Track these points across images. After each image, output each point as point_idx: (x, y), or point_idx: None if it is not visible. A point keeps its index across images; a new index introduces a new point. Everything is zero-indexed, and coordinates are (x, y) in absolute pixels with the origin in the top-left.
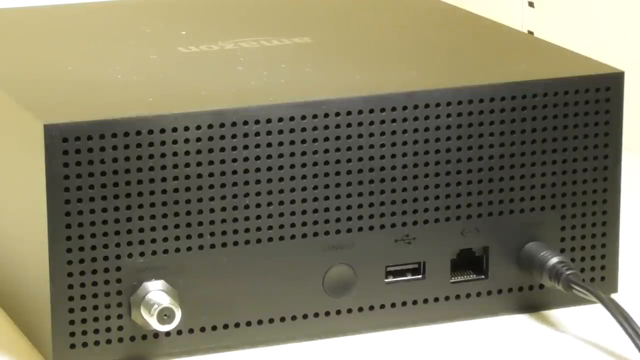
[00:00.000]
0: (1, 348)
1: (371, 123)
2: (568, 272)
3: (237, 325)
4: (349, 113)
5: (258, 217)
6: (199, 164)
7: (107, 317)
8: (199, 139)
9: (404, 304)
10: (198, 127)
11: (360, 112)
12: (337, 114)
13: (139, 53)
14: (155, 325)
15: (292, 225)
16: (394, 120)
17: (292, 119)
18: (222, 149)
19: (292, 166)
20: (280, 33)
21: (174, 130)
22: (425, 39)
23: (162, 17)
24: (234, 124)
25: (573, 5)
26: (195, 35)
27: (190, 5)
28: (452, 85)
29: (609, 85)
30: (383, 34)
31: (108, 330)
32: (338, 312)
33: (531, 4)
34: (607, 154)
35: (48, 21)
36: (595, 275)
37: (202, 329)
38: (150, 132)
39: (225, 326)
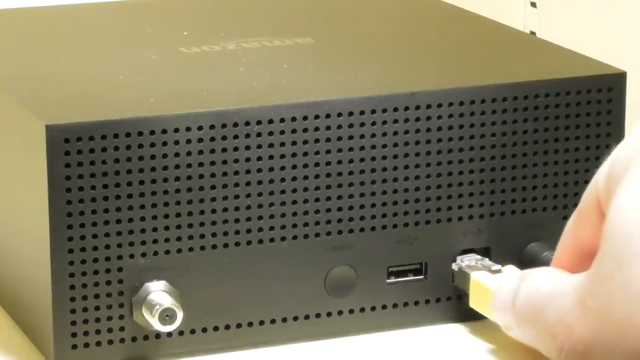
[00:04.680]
0: (2, 348)
1: (373, 123)
2: None
3: (238, 325)
4: (350, 113)
5: (260, 217)
6: (200, 164)
7: (109, 318)
8: (200, 140)
9: (405, 304)
10: (200, 128)
11: (362, 112)
12: (339, 115)
13: (140, 53)
14: (157, 325)
15: (294, 225)
16: (395, 121)
17: (293, 119)
18: (224, 150)
19: (294, 167)
20: (282, 33)
21: (176, 130)
22: (427, 39)
23: (163, 17)
24: (235, 125)
25: (575, 6)
26: (197, 35)
27: (191, 6)
28: (454, 85)
29: (611, 86)
30: (385, 34)
31: (110, 330)
32: (340, 312)
33: (533, 4)
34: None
35: (49, 22)
36: None
37: (204, 330)
38: (152, 132)
39: (227, 327)
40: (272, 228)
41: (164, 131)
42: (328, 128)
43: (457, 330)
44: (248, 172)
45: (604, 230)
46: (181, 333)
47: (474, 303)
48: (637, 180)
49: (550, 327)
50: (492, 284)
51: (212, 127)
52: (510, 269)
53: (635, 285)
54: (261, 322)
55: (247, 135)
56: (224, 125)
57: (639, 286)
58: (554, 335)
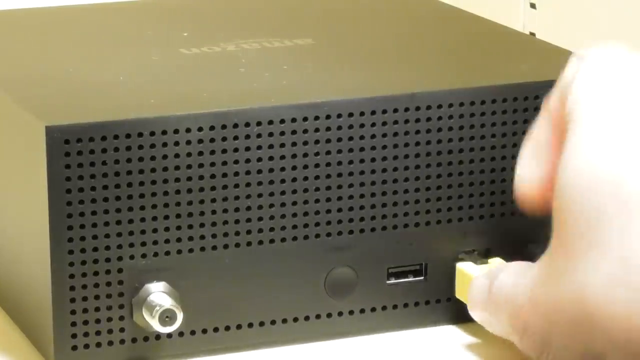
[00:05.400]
0: (2, 350)
1: (373, 124)
2: None
3: (238, 326)
4: (350, 114)
5: (260, 218)
6: (200, 165)
7: (109, 319)
8: (200, 141)
9: (405, 305)
10: (200, 129)
11: (362, 113)
12: (339, 116)
13: (140, 54)
14: (157, 327)
15: (294, 226)
16: (395, 122)
17: (294, 120)
18: (224, 151)
19: (294, 168)
20: (282, 34)
21: (176, 131)
22: (427, 40)
23: (163, 18)
24: (235, 126)
25: (575, 7)
26: (196, 36)
27: (191, 7)
28: (454, 86)
29: None
30: (384, 35)
31: (110, 332)
32: (340, 313)
33: (533, 6)
34: None
35: (49, 23)
36: None
37: (204, 331)
38: (152, 133)
39: (227, 328)
40: (272, 229)
41: (164, 132)
42: (328, 129)
43: (457, 332)
44: (248, 173)
45: (555, 207)
46: (181, 334)
47: (459, 293)
48: (582, 143)
49: (511, 321)
50: (475, 274)
51: (212, 128)
52: (496, 262)
53: (582, 285)
54: (261, 323)
55: (247, 137)
56: (224, 126)
57: (585, 287)
58: (512, 330)
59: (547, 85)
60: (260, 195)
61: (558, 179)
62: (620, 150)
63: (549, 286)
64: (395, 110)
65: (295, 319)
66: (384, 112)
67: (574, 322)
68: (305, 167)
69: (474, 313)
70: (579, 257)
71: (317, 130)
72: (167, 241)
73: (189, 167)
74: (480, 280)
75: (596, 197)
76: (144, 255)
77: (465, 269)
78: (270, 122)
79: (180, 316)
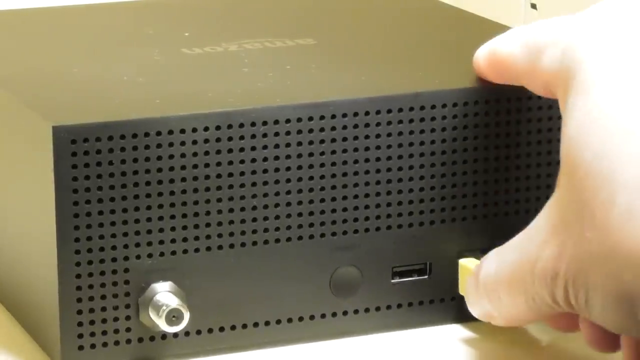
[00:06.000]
0: (8, 350)
1: (378, 124)
2: None
3: (244, 326)
4: (355, 114)
5: (265, 218)
6: (206, 165)
7: (115, 319)
8: (206, 140)
9: (410, 304)
10: (206, 129)
11: (367, 113)
12: (344, 115)
13: (142, 54)
14: (163, 326)
15: (300, 226)
16: (400, 121)
17: (299, 120)
18: (230, 150)
19: (299, 167)
20: (283, 34)
21: (182, 131)
22: (430, 40)
23: (163, 18)
24: (241, 126)
25: (575, 8)
26: (198, 36)
27: (191, 7)
28: (458, 86)
29: None
30: (386, 35)
31: (116, 331)
32: (345, 312)
33: (534, 6)
34: None
35: (51, 23)
36: None
37: (210, 330)
38: (159, 133)
39: (233, 327)
40: (277, 229)
41: (170, 132)
42: (333, 129)
43: (461, 330)
44: (254, 172)
45: (563, 155)
46: (187, 334)
47: (463, 289)
48: (587, 106)
49: (542, 274)
50: None
51: (218, 127)
52: None
53: (603, 220)
54: (267, 323)
55: (253, 136)
56: (230, 126)
57: (607, 221)
58: (546, 276)
59: None
60: (265, 195)
61: (564, 133)
62: (625, 97)
63: (571, 230)
64: (400, 110)
65: (301, 319)
66: (389, 111)
67: (602, 258)
68: (311, 166)
69: (473, 309)
70: (594, 195)
71: (322, 129)
72: (173, 241)
73: (195, 166)
74: (469, 279)
75: (602, 135)
76: (150, 255)
77: (467, 264)
78: (276, 122)
79: (186, 316)
